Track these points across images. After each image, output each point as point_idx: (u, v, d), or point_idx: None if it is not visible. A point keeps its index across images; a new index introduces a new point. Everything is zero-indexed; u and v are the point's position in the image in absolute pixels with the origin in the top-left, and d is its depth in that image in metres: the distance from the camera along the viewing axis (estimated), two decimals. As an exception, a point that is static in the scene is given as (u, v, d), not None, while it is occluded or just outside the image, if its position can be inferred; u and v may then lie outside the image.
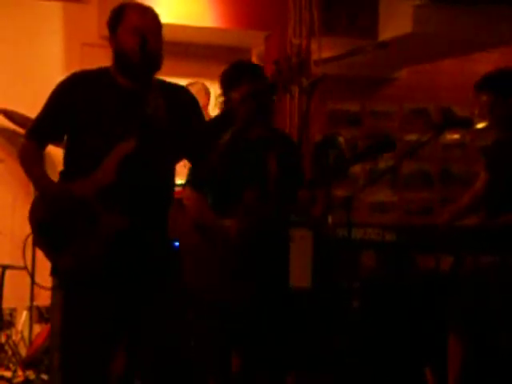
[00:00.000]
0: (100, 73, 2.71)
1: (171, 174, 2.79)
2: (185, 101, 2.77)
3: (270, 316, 3.21)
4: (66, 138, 2.74)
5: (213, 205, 3.22)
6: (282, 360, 3.30)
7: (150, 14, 2.66)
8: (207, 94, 5.31)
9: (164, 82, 2.74)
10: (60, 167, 2.76)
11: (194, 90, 4.95)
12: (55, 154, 3.25)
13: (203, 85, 5.31)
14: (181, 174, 4.12)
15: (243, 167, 3.18)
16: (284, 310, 3.27)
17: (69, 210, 2.60)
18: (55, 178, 2.73)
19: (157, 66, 2.66)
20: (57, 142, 2.84)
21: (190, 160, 2.88)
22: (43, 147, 2.76)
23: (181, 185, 4.11)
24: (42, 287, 4.46)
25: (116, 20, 2.65)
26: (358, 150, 3.36)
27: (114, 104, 2.65)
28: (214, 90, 5.27)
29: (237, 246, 3.13)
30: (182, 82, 2.88)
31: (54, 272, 2.71)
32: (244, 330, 3.19)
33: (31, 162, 2.72)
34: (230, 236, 3.14)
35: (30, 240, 4.60)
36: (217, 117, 2.90)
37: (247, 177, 3.18)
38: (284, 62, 2.78)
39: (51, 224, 2.63)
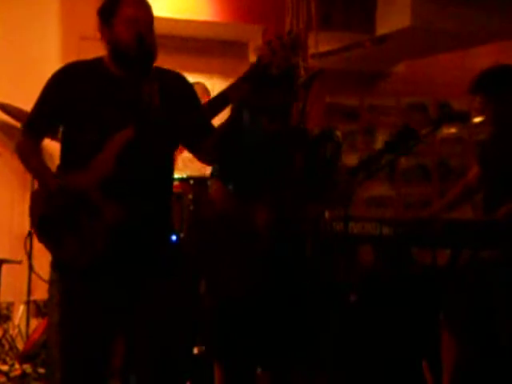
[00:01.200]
0: (93, 63, 2.70)
1: (170, 162, 2.78)
2: (180, 87, 2.76)
3: (288, 311, 3.20)
4: (61, 130, 2.73)
5: (236, 194, 3.22)
6: (286, 357, 3.28)
7: (145, 6, 2.66)
8: (208, 93, 5.28)
9: (159, 69, 2.71)
10: (57, 160, 2.76)
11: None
12: (52, 147, 3.25)
13: (204, 85, 5.28)
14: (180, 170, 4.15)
15: (267, 158, 3.18)
16: (298, 306, 3.25)
17: (68, 203, 2.60)
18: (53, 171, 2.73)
19: (153, 59, 2.65)
20: (52, 135, 2.84)
21: (187, 147, 2.87)
22: (39, 141, 2.76)
23: (180, 179, 4.13)
24: (42, 279, 4.46)
25: (110, 11, 2.63)
26: (381, 147, 3.36)
27: (109, 94, 2.63)
28: (212, 84, 5.27)
29: (264, 237, 3.11)
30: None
31: (56, 265, 2.71)
32: (255, 326, 3.17)
33: (29, 156, 2.72)
34: (257, 227, 3.12)
35: (27, 233, 4.61)
36: (210, 101, 2.89)
37: (271, 168, 3.18)
38: (276, 41, 2.75)
39: (51, 218, 2.62)
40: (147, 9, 2.66)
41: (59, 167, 2.73)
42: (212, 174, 3.35)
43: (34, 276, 4.77)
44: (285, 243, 3.14)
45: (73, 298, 2.68)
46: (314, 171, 3.23)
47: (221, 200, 3.26)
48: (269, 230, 3.11)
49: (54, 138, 2.85)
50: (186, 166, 4.45)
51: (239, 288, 3.15)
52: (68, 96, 2.63)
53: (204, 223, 3.71)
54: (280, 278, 3.15)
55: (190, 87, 2.81)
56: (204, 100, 5.08)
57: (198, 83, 5.22)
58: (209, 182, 3.47)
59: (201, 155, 2.85)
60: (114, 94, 2.64)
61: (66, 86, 2.65)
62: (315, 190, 3.21)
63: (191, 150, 2.86)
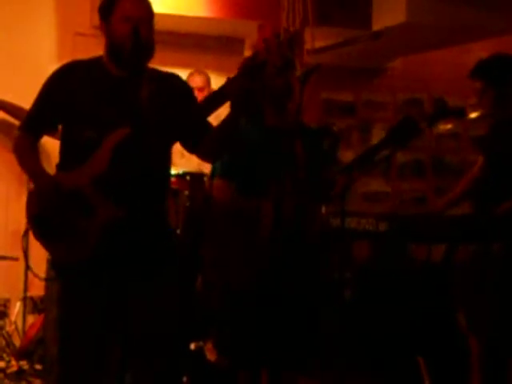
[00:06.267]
0: (92, 62, 2.71)
1: (166, 162, 2.79)
2: (177, 88, 2.77)
3: (290, 308, 3.18)
4: (60, 129, 2.74)
5: (240, 192, 3.21)
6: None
7: (142, 3, 2.66)
8: (209, 84, 5.24)
9: (156, 71, 2.74)
10: (55, 159, 2.76)
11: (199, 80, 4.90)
12: (50, 145, 3.25)
13: (207, 74, 5.24)
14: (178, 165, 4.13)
15: (269, 155, 3.18)
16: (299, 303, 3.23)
17: (63, 201, 2.60)
18: (51, 169, 2.73)
19: (149, 55, 2.66)
20: (51, 133, 2.84)
21: (185, 146, 2.87)
22: (38, 139, 2.77)
23: (176, 175, 4.12)
24: (37, 276, 4.45)
25: (108, 8, 2.65)
26: (381, 138, 3.33)
27: (107, 93, 2.65)
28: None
29: (269, 231, 3.11)
30: (175, 71, 2.86)
31: (52, 264, 2.72)
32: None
33: (26, 154, 2.73)
34: (263, 221, 3.12)
35: (23, 231, 4.60)
36: (207, 98, 2.89)
37: (275, 165, 3.17)
38: (272, 39, 2.74)
39: (46, 216, 2.63)
40: (145, 5, 2.67)
41: (58, 165, 2.74)
42: (213, 173, 3.32)
43: (30, 272, 4.76)
44: (286, 242, 3.13)
45: (69, 295, 2.69)
46: (314, 167, 3.23)
47: (225, 199, 3.24)
48: (272, 227, 3.11)
49: (53, 135, 2.85)
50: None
51: (247, 285, 3.13)
52: (66, 95, 2.64)
53: (202, 220, 3.70)
54: (283, 275, 3.14)
55: (186, 87, 2.82)
56: (206, 89, 5.06)
57: (202, 72, 5.18)
58: (208, 181, 3.44)
59: (199, 154, 2.85)
60: (111, 93, 2.65)
61: (64, 84, 2.66)
62: (315, 186, 3.21)
63: (189, 149, 2.87)
